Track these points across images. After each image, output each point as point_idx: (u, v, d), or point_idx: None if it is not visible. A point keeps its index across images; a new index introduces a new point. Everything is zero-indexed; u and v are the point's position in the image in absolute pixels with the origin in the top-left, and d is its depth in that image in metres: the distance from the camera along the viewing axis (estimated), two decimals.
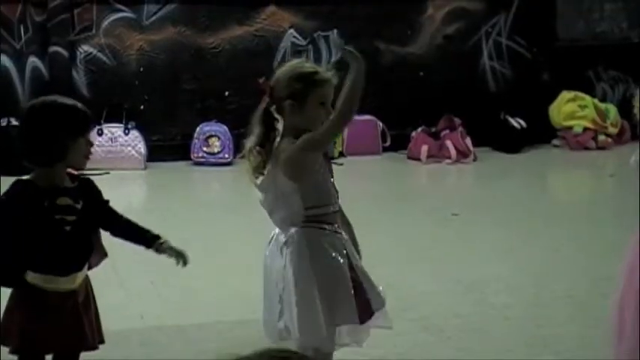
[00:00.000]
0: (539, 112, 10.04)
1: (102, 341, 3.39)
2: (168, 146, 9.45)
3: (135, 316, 4.87)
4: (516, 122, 9.97)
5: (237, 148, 8.83)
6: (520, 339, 4.56)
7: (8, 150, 7.15)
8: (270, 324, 3.51)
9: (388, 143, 9.78)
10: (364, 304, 3.49)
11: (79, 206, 3.26)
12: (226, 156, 9.25)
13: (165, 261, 5.84)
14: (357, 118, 9.71)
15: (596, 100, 10.31)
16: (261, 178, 3.46)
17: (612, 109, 10.30)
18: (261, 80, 3.52)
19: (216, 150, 9.28)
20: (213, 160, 9.26)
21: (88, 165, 3.39)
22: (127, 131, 9.07)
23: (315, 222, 3.43)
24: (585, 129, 10.09)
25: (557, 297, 5.18)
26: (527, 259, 5.94)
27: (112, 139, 9.00)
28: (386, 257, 5.76)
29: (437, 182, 9.15)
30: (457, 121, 9.64)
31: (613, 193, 8.33)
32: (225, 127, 9.28)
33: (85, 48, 9.24)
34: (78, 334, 3.27)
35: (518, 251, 6.15)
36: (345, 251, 3.47)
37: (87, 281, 3.36)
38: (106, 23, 9.27)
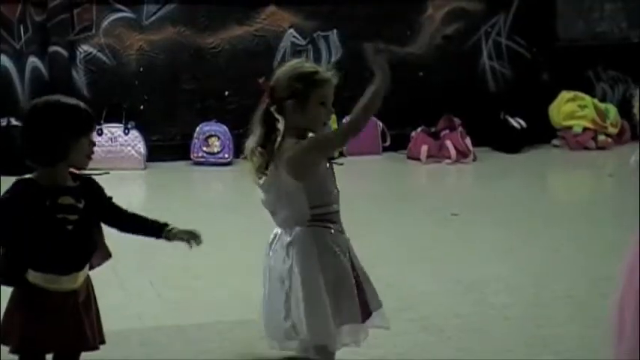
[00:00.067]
0: (538, 112, 10.04)
1: (102, 341, 3.39)
2: (167, 146, 9.45)
3: (134, 316, 4.87)
4: (516, 122, 9.97)
5: (237, 148, 8.90)
6: (520, 339, 4.56)
7: (8, 150, 7.16)
8: (272, 324, 3.51)
9: (388, 143, 9.79)
10: (363, 304, 3.51)
11: (81, 205, 3.27)
12: (226, 156, 9.25)
13: (165, 261, 5.86)
14: None
15: (595, 100, 10.31)
16: (263, 178, 3.46)
17: (612, 109, 10.30)
18: (261, 80, 3.52)
19: (216, 150, 9.29)
20: (213, 160, 9.26)
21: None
22: (126, 131, 9.07)
23: (320, 221, 3.44)
24: (585, 129, 10.09)
25: (557, 297, 5.18)
26: (527, 259, 5.94)
27: (111, 139, 8.99)
28: (386, 257, 5.76)
29: (437, 182, 9.15)
30: (457, 121, 9.64)
31: (613, 193, 8.33)
32: (225, 127, 9.28)
33: (84, 48, 9.24)
34: (78, 334, 3.27)
35: (518, 251, 6.15)
36: (347, 251, 3.49)
37: (88, 281, 3.36)
38: (105, 23, 9.27)
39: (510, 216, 7.17)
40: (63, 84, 8.83)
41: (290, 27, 9.66)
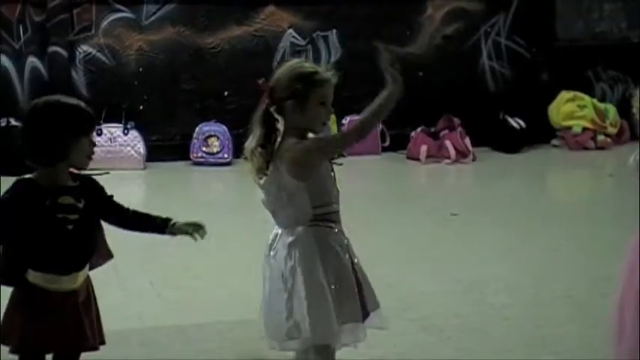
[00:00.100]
0: (538, 112, 10.05)
1: (103, 342, 3.39)
2: (167, 146, 9.45)
3: (134, 316, 4.87)
4: (515, 122, 9.98)
5: (237, 148, 8.90)
6: (519, 339, 4.56)
7: (8, 150, 7.16)
8: (272, 324, 3.50)
9: (387, 143, 9.79)
10: (361, 304, 3.51)
11: (81, 205, 3.27)
12: (225, 156, 9.25)
13: (165, 261, 5.86)
14: (356, 117, 9.76)
15: (595, 100, 10.32)
16: (264, 178, 3.46)
17: (611, 109, 10.30)
18: (260, 81, 3.52)
19: (215, 150, 9.29)
20: (212, 160, 9.26)
21: None
22: (126, 131, 9.07)
23: (322, 220, 3.44)
24: (584, 129, 10.09)
25: (556, 297, 5.18)
26: (526, 259, 5.95)
27: (111, 139, 8.99)
28: (385, 257, 5.77)
29: (436, 182, 9.15)
30: (456, 121, 9.65)
31: (612, 193, 8.33)
32: (224, 127, 9.29)
33: (84, 48, 9.24)
34: (78, 334, 3.27)
35: (517, 251, 6.16)
36: (348, 251, 3.49)
37: (88, 281, 3.36)
38: (105, 23, 9.27)
39: (510, 216, 7.17)
40: (62, 84, 8.83)
41: (289, 27, 9.67)
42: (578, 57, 10.39)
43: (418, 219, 7.14)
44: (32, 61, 9.13)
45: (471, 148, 9.47)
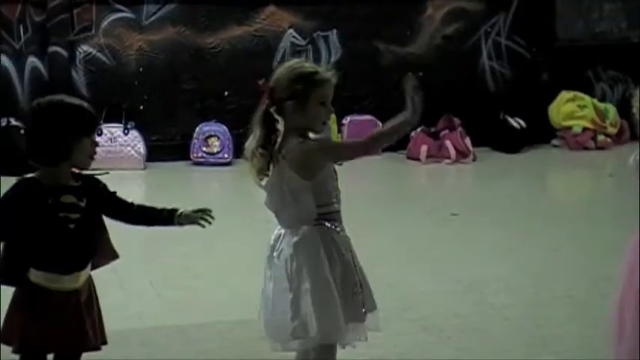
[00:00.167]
0: (538, 112, 10.05)
1: (104, 342, 3.39)
2: (167, 146, 9.45)
3: (134, 316, 4.88)
4: (516, 122, 9.98)
5: (237, 148, 8.90)
6: (519, 339, 4.56)
7: (8, 150, 7.16)
8: (276, 324, 3.49)
9: None
10: (361, 305, 3.51)
11: (82, 204, 3.27)
12: (226, 156, 9.25)
13: (165, 261, 5.86)
14: (356, 117, 9.78)
15: (595, 100, 10.32)
16: (266, 179, 3.46)
17: (611, 109, 10.31)
18: (260, 82, 3.52)
19: (215, 150, 9.29)
20: (212, 160, 9.26)
21: None
22: (126, 131, 9.07)
23: (325, 220, 3.44)
24: (584, 129, 10.09)
25: (556, 297, 5.19)
26: (526, 259, 5.95)
27: (111, 139, 9.00)
28: (385, 257, 5.77)
29: (436, 182, 9.15)
30: (456, 121, 9.64)
31: (612, 193, 8.34)
32: (224, 127, 9.29)
33: (84, 48, 9.24)
34: (80, 334, 3.27)
35: (517, 251, 6.16)
36: (349, 250, 3.50)
37: (90, 281, 3.36)
38: (105, 23, 9.27)
39: (510, 216, 7.17)
40: (62, 84, 8.83)
41: (289, 27, 9.67)
42: (578, 57, 10.39)
43: (418, 219, 7.14)
44: (32, 61, 9.13)
45: (471, 148, 9.47)
